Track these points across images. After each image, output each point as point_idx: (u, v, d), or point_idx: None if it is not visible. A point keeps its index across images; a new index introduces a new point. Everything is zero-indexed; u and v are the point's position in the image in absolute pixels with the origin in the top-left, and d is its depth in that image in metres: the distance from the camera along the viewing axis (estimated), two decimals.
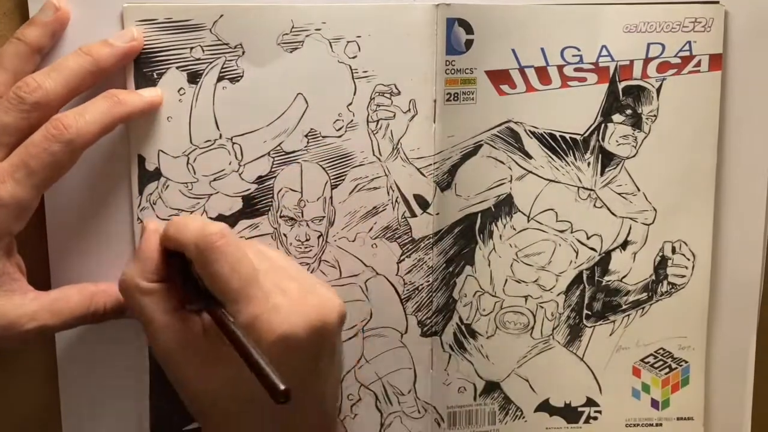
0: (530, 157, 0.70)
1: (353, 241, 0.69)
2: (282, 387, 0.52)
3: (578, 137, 0.70)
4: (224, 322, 0.57)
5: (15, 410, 0.69)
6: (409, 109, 0.67)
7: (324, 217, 0.68)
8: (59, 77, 0.59)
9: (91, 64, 0.61)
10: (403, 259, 0.70)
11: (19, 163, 0.58)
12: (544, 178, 0.71)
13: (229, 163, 0.66)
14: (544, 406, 0.74)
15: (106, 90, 0.62)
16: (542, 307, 0.73)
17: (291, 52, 0.65)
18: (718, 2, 0.69)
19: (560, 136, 0.70)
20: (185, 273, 0.62)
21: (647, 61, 0.70)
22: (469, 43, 0.67)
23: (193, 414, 0.64)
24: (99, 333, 0.66)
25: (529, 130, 0.70)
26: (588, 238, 0.72)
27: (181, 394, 0.63)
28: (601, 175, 0.71)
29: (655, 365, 0.74)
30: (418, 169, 0.68)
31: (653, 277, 0.73)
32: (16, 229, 0.59)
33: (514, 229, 0.71)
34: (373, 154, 0.68)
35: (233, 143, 0.66)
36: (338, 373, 0.67)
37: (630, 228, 0.72)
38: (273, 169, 0.67)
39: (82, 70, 0.60)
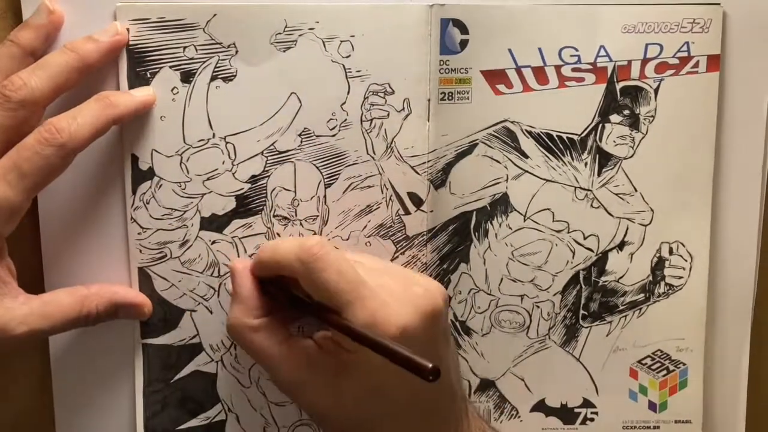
0: (527, 157, 0.70)
1: (347, 239, 0.69)
2: (429, 365, 0.52)
3: (575, 137, 0.70)
4: (348, 326, 0.58)
5: (8, 410, 0.70)
6: (403, 108, 0.67)
7: (318, 216, 0.68)
8: (44, 74, 0.60)
9: (76, 60, 0.61)
10: (397, 257, 0.69)
11: (11, 166, 0.58)
12: (541, 178, 0.70)
13: (223, 163, 0.66)
14: (540, 407, 0.74)
15: (99, 91, 0.63)
16: (538, 307, 0.72)
17: (284, 51, 0.65)
18: (716, 3, 0.69)
19: (557, 136, 0.70)
20: (288, 297, 0.63)
21: (645, 61, 0.69)
22: (464, 43, 0.67)
23: None
24: (92, 333, 0.66)
25: (526, 130, 0.69)
26: (585, 238, 0.72)
27: (319, 420, 0.64)
28: (599, 175, 0.71)
29: (653, 367, 0.74)
30: (412, 167, 0.68)
31: (650, 278, 0.73)
32: (7, 232, 0.59)
33: (510, 228, 0.71)
34: (367, 153, 0.68)
35: (226, 142, 0.66)
36: (455, 353, 0.67)
37: (627, 228, 0.72)
38: (266, 169, 0.67)
39: (67, 66, 0.61)
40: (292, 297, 0.62)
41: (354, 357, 0.60)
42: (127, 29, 0.64)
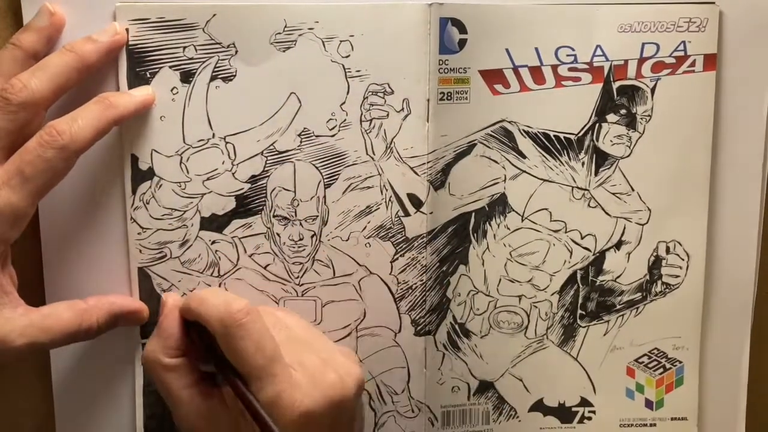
0: (524, 157, 0.70)
1: (347, 240, 0.69)
2: None
3: (572, 137, 0.70)
4: (248, 399, 0.59)
5: (9, 410, 0.70)
6: (403, 109, 0.67)
7: (317, 216, 0.68)
8: (44, 76, 0.59)
9: (75, 61, 0.61)
10: (397, 259, 0.70)
11: (14, 171, 0.58)
12: (538, 178, 0.71)
13: (222, 163, 0.66)
14: (538, 406, 0.74)
15: (99, 92, 0.62)
16: (536, 307, 0.73)
17: (284, 51, 0.65)
18: (712, 2, 0.69)
19: (554, 135, 0.70)
20: (205, 342, 0.63)
21: (642, 60, 0.70)
22: (462, 43, 0.67)
23: None
24: None
25: (523, 130, 0.70)
26: (582, 237, 0.72)
27: None
28: (596, 174, 0.71)
29: (650, 365, 0.74)
30: (411, 168, 0.68)
31: (647, 277, 0.73)
32: (12, 238, 0.59)
33: (508, 228, 0.71)
34: (366, 154, 0.68)
35: (226, 142, 0.66)
36: (358, 428, 0.68)
37: (624, 228, 0.72)
38: (266, 169, 0.67)
39: (67, 67, 0.60)
40: (209, 349, 0.62)
41: (249, 426, 0.60)
42: (126, 29, 0.63)
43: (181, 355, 0.63)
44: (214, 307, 0.60)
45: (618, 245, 0.72)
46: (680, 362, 0.74)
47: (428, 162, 0.68)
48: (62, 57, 0.61)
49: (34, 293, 0.65)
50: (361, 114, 0.67)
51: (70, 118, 0.59)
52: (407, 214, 0.69)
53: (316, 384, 0.60)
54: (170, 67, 0.65)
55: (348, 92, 0.67)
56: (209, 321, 0.60)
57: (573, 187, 0.71)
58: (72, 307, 0.62)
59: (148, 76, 0.64)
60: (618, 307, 0.73)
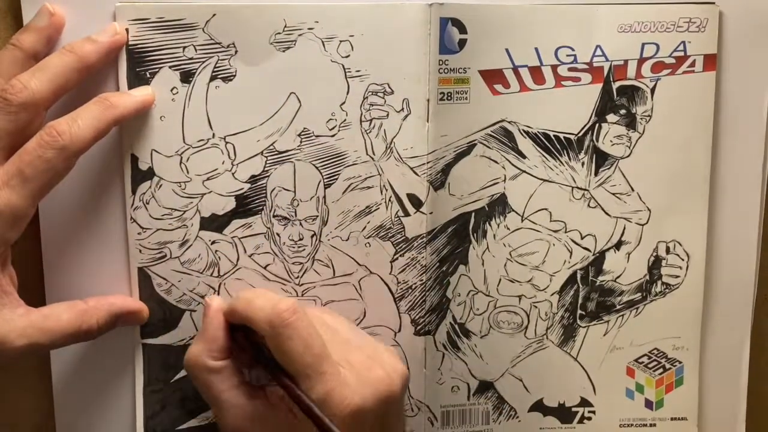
0: (524, 157, 0.70)
1: (347, 240, 0.69)
2: None
3: (572, 137, 0.70)
4: (302, 399, 0.58)
5: (9, 410, 0.70)
6: (402, 109, 0.67)
7: (317, 216, 0.68)
8: (44, 77, 0.60)
9: (75, 61, 0.61)
10: (397, 258, 0.70)
11: (14, 171, 0.58)
12: (538, 178, 0.71)
13: (222, 163, 0.66)
14: (538, 406, 0.74)
15: (99, 92, 0.63)
16: (536, 307, 0.73)
17: (284, 51, 0.65)
18: (712, 2, 0.69)
19: (554, 135, 0.70)
20: (253, 344, 0.63)
21: (641, 61, 0.70)
22: (462, 43, 0.67)
23: None
24: None
25: (523, 130, 0.70)
26: (582, 238, 0.72)
27: None
28: (595, 175, 0.71)
29: (649, 365, 0.74)
30: (411, 169, 0.68)
31: (647, 278, 0.73)
32: (12, 239, 0.59)
33: (508, 228, 0.71)
34: (366, 154, 0.68)
35: (226, 142, 0.66)
36: (402, 425, 0.67)
37: (624, 228, 0.72)
38: (266, 169, 0.67)
39: (67, 68, 0.60)
40: (257, 352, 0.63)
41: (299, 424, 0.60)
42: (126, 29, 0.64)
43: (226, 357, 0.62)
44: (261, 309, 0.60)
45: (618, 245, 0.72)
46: (680, 362, 0.74)
47: (428, 162, 0.68)
48: (62, 58, 0.61)
49: (34, 293, 0.65)
50: (361, 114, 0.67)
51: (70, 119, 0.59)
52: (407, 214, 0.69)
53: (364, 381, 0.60)
54: (170, 67, 0.65)
55: (348, 92, 0.67)
56: (257, 322, 0.60)
57: (573, 187, 0.71)
58: (72, 308, 0.62)
59: (148, 76, 0.64)
60: (618, 307, 0.73)
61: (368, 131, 0.67)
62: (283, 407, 0.61)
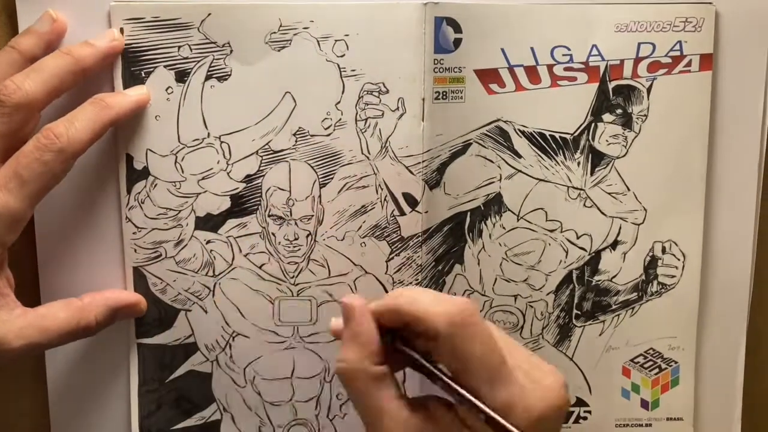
0: (520, 156, 0.70)
1: (342, 239, 0.69)
2: None
3: (568, 137, 0.70)
4: (484, 406, 0.53)
5: (4, 410, 0.70)
6: (398, 108, 0.67)
7: (312, 215, 0.68)
8: (38, 78, 0.60)
9: (71, 64, 0.61)
10: (392, 258, 0.69)
11: (11, 174, 0.58)
12: (534, 178, 0.71)
13: (218, 162, 0.66)
14: None
15: (94, 93, 0.63)
16: (532, 307, 0.73)
17: (279, 50, 0.65)
18: (709, 2, 0.69)
19: (550, 135, 0.70)
20: (411, 356, 0.57)
21: (638, 60, 0.69)
22: (457, 42, 0.67)
23: None
24: None
25: (519, 129, 0.69)
26: (578, 237, 0.72)
27: None
28: (591, 174, 0.71)
29: (645, 365, 0.74)
30: (406, 168, 0.68)
31: (643, 277, 0.73)
32: (9, 241, 0.59)
33: (504, 228, 0.71)
34: (362, 153, 0.68)
35: (221, 142, 0.66)
36: None
37: (620, 228, 0.72)
38: (261, 168, 0.67)
39: (62, 70, 0.60)
40: (418, 357, 0.56)
41: None
42: (121, 29, 0.64)
43: (383, 363, 0.56)
44: (439, 307, 0.54)
45: (614, 245, 0.72)
46: (676, 362, 0.74)
47: (423, 161, 0.68)
48: (57, 60, 0.61)
49: (29, 293, 0.65)
50: (357, 113, 0.67)
51: (67, 121, 0.59)
52: (402, 214, 0.69)
53: (539, 388, 0.55)
54: (165, 66, 0.65)
55: (343, 92, 0.67)
56: (431, 321, 0.53)
57: (569, 186, 0.71)
58: (68, 305, 0.62)
59: (143, 75, 0.64)
60: (614, 307, 0.73)
61: (363, 130, 0.67)
62: (446, 422, 0.55)
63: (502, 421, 0.52)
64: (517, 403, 0.53)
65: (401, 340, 0.56)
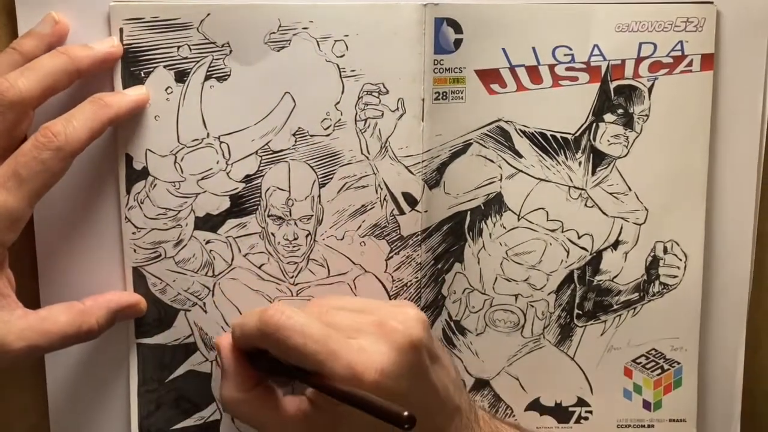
0: (521, 156, 0.70)
1: (341, 239, 0.69)
2: (405, 413, 0.52)
3: (569, 136, 0.70)
4: (327, 385, 0.57)
5: (4, 410, 0.70)
6: (397, 108, 0.67)
7: (312, 215, 0.68)
8: (33, 76, 0.60)
9: (67, 64, 0.61)
10: (392, 257, 0.69)
11: (9, 173, 0.58)
12: (535, 177, 0.70)
13: (217, 162, 0.66)
14: (535, 405, 0.74)
15: (93, 92, 0.63)
16: (533, 306, 0.72)
17: (278, 51, 0.65)
18: (710, 2, 0.69)
19: (551, 135, 0.70)
20: (270, 366, 0.62)
21: (639, 60, 0.69)
22: (458, 43, 0.67)
23: None
24: None
25: (520, 129, 0.69)
26: (579, 237, 0.72)
27: None
28: (593, 174, 0.71)
29: (647, 366, 0.74)
30: (406, 167, 0.68)
31: (645, 277, 0.73)
32: (9, 241, 0.59)
33: (504, 227, 0.71)
34: (361, 153, 0.68)
35: (221, 142, 0.66)
36: (449, 367, 0.64)
37: (621, 228, 0.72)
38: (261, 168, 0.67)
39: (57, 69, 0.60)
40: (273, 366, 0.61)
41: (344, 408, 0.58)
42: (121, 29, 0.64)
43: (256, 385, 0.62)
44: (251, 327, 0.59)
45: (615, 245, 0.72)
46: (678, 363, 0.74)
47: (423, 161, 0.68)
48: (54, 59, 0.61)
49: (28, 293, 0.65)
50: (356, 113, 0.67)
51: (65, 120, 0.59)
52: (402, 213, 0.69)
53: (381, 340, 0.59)
54: (164, 66, 0.65)
55: (343, 92, 0.67)
56: (254, 338, 0.60)
57: (570, 186, 0.71)
58: (70, 309, 0.62)
59: (143, 75, 0.64)
60: (615, 307, 0.73)
61: (363, 131, 0.67)
62: (328, 401, 0.60)
63: (344, 388, 0.56)
64: (356, 367, 0.57)
65: (265, 356, 0.61)
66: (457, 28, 0.66)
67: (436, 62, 0.66)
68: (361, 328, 0.60)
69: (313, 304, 0.64)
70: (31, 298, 0.65)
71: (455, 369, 0.65)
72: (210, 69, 0.65)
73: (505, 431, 0.68)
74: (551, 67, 0.69)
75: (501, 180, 0.70)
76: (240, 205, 0.67)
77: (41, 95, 0.60)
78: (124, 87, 0.64)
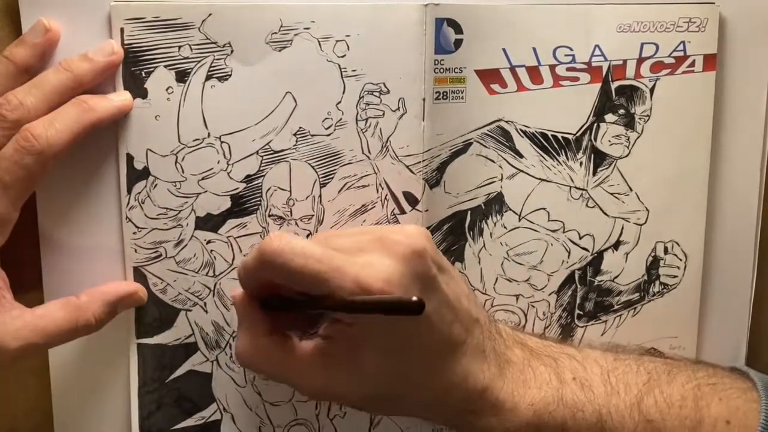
0: (521, 156, 0.70)
1: None
2: (413, 298, 0.52)
3: (570, 137, 0.70)
4: (336, 302, 0.57)
5: (6, 411, 0.70)
6: (398, 108, 0.67)
7: (313, 215, 0.68)
8: (40, 94, 0.60)
9: (70, 80, 0.61)
10: None
11: None
12: (536, 178, 0.70)
13: (218, 162, 0.66)
14: None
15: (93, 92, 0.63)
16: (534, 307, 0.73)
17: (280, 51, 0.65)
18: (712, 2, 0.69)
19: (552, 135, 0.70)
20: (281, 304, 0.62)
21: (640, 60, 0.69)
22: (458, 43, 0.66)
23: (384, 413, 0.68)
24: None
25: (521, 129, 0.69)
26: (580, 237, 0.72)
27: (356, 406, 0.64)
28: (594, 174, 0.71)
29: None
30: (407, 167, 0.68)
31: (645, 278, 0.73)
32: None
33: (505, 227, 0.71)
34: (362, 153, 0.67)
35: (222, 142, 0.66)
36: (460, 281, 0.64)
37: (622, 228, 0.72)
38: (261, 168, 0.67)
39: (62, 86, 0.61)
40: (284, 304, 0.62)
41: (361, 328, 0.59)
42: (121, 29, 0.63)
43: (270, 333, 0.62)
44: (251, 261, 0.59)
45: (616, 245, 0.72)
46: None
47: (424, 161, 0.68)
48: (58, 75, 0.61)
49: (33, 293, 0.66)
50: (357, 113, 0.67)
51: (47, 122, 0.59)
52: (403, 212, 0.69)
53: (383, 253, 0.59)
54: (165, 66, 0.64)
55: (344, 92, 0.66)
56: (260, 272, 0.59)
57: (571, 186, 0.71)
58: (66, 305, 0.62)
59: (143, 75, 0.64)
60: (616, 307, 0.73)
61: (364, 130, 0.67)
62: (341, 332, 0.60)
63: (346, 299, 0.56)
64: (363, 280, 0.56)
65: (276, 296, 0.62)
66: (457, 28, 0.66)
67: (436, 62, 0.66)
68: (362, 247, 0.60)
69: (312, 237, 0.64)
70: (35, 297, 0.65)
71: (467, 284, 0.66)
72: (211, 69, 0.65)
73: (530, 341, 0.67)
74: (552, 68, 0.69)
75: (501, 180, 0.70)
76: (241, 205, 0.67)
77: (47, 112, 0.60)
78: (125, 86, 0.64)
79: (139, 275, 0.67)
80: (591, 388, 0.62)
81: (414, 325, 0.58)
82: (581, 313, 0.73)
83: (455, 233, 0.70)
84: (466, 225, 0.70)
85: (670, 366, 0.65)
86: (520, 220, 0.71)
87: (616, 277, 0.73)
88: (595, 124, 0.70)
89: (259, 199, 0.67)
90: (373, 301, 0.55)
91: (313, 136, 0.67)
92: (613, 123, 0.70)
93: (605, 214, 0.72)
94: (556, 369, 0.63)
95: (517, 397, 0.62)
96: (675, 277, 0.73)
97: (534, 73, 0.68)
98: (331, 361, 0.61)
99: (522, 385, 0.63)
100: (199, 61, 0.65)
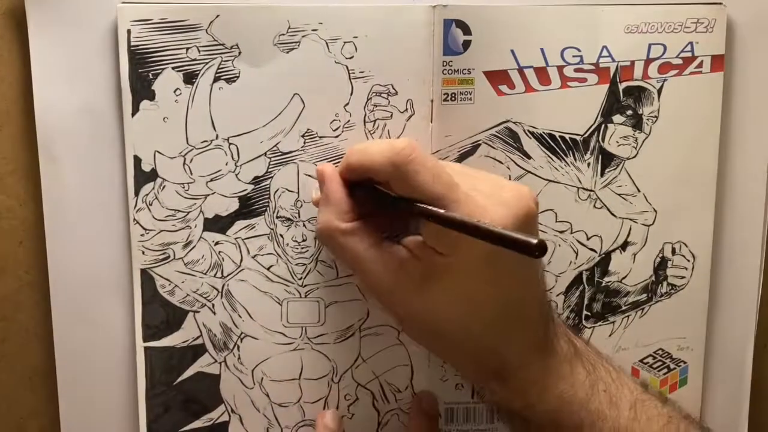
0: (529, 158, 0.70)
1: None
2: (535, 240, 0.50)
3: (578, 138, 0.70)
4: (452, 216, 0.55)
5: (14, 414, 0.70)
6: (406, 109, 0.67)
7: None
8: None
9: None
10: None
11: None
12: (544, 179, 0.70)
13: (226, 164, 0.66)
14: None
15: (96, 95, 0.63)
16: None
17: (287, 52, 0.65)
18: (720, 3, 0.69)
19: (560, 136, 0.70)
20: (378, 199, 0.62)
21: (648, 61, 0.69)
22: (466, 44, 0.66)
23: (418, 341, 0.65)
24: (95, 337, 0.67)
25: (528, 131, 0.69)
26: (588, 238, 0.72)
27: (403, 323, 0.64)
28: (601, 175, 0.71)
29: (654, 365, 0.74)
30: None
31: (653, 278, 0.73)
32: None
33: None
34: None
35: (230, 144, 0.66)
36: (541, 262, 0.66)
37: (630, 229, 0.72)
38: (269, 170, 0.67)
39: None
40: (382, 198, 0.61)
41: (446, 261, 0.59)
42: (128, 30, 0.63)
43: (356, 219, 0.62)
44: (380, 153, 0.59)
45: (624, 246, 0.72)
46: (684, 362, 0.74)
47: None
48: None
49: (38, 293, 0.65)
50: (365, 115, 0.67)
51: None
52: None
53: (497, 203, 0.58)
54: (173, 68, 0.64)
55: (352, 93, 0.66)
56: (378, 167, 0.59)
57: (578, 187, 0.71)
58: None
59: (151, 77, 0.64)
60: (623, 308, 0.73)
61: (372, 132, 0.67)
62: (426, 253, 0.60)
63: (470, 219, 0.54)
64: (481, 217, 0.56)
65: (371, 189, 0.62)
66: (465, 29, 0.66)
67: (444, 63, 0.66)
68: (477, 187, 0.60)
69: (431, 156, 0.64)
70: (37, 298, 0.65)
71: None
72: (219, 71, 0.65)
73: (577, 341, 0.66)
74: (560, 69, 0.68)
75: (510, 181, 0.70)
76: (249, 207, 0.67)
77: None
78: (132, 88, 0.64)
79: (147, 277, 0.67)
80: (617, 407, 0.62)
81: (499, 290, 0.59)
82: (589, 314, 0.73)
83: None
84: None
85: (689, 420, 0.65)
86: None
87: (623, 278, 0.73)
88: (603, 125, 0.70)
89: (267, 200, 0.67)
90: (492, 230, 0.53)
91: (321, 137, 0.67)
92: (621, 124, 0.70)
93: (613, 215, 0.71)
94: (592, 375, 0.63)
95: (549, 382, 0.62)
96: (683, 278, 0.73)
97: (542, 74, 0.68)
98: (404, 274, 0.61)
99: (556, 375, 0.62)
100: (207, 63, 0.65)
